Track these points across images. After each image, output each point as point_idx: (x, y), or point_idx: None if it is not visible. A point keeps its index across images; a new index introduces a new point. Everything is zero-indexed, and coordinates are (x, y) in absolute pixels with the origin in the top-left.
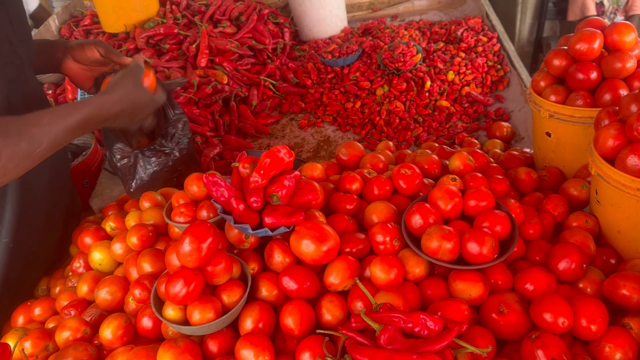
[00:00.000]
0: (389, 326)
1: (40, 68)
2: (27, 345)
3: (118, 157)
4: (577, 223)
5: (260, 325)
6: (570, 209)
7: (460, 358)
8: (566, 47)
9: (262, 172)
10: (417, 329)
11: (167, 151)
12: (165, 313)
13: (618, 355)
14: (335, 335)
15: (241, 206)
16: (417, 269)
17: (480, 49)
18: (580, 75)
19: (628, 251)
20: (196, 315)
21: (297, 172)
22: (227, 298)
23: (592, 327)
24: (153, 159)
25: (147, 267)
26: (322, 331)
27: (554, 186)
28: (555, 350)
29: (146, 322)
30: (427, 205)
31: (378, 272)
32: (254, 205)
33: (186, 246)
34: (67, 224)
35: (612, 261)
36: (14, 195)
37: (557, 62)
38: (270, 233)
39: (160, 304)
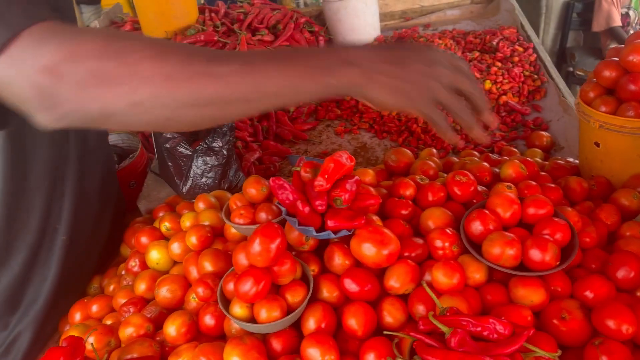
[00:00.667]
0: (459, 329)
1: None
2: (90, 340)
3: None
4: (630, 232)
5: (323, 325)
6: (622, 219)
7: None
8: (617, 59)
9: (326, 176)
10: (485, 333)
11: (216, 148)
12: (232, 311)
13: None
14: (400, 337)
15: (306, 209)
16: (477, 275)
17: (516, 58)
18: (632, 87)
19: None
20: (263, 313)
21: (357, 177)
22: (291, 298)
23: None
24: (205, 157)
25: (209, 267)
26: (390, 332)
27: (602, 195)
28: (619, 357)
29: (209, 320)
30: (487, 211)
31: (441, 276)
32: (319, 208)
33: (256, 246)
34: (114, 224)
35: None
36: (70, 194)
37: (607, 73)
38: (333, 236)
39: (225, 302)
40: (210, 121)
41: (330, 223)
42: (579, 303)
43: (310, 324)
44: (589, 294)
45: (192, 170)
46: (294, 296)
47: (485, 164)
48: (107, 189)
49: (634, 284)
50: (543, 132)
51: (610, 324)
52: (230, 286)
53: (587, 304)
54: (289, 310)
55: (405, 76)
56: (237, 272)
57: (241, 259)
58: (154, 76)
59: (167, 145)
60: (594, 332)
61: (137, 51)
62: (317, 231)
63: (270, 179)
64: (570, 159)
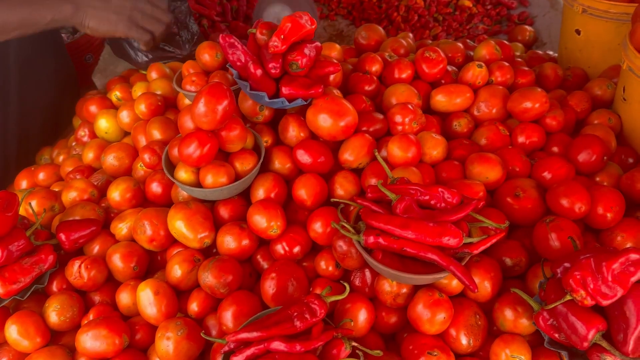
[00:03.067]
0: (406, 197)
1: None
2: (33, 204)
3: None
4: (599, 120)
5: (273, 195)
6: (593, 108)
7: (475, 233)
8: None
9: (282, 36)
10: (433, 202)
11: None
12: (177, 175)
13: (629, 245)
14: (345, 203)
15: (259, 71)
16: (434, 151)
17: None
18: None
19: None
20: (209, 178)
21: (317, 43)
22: (240, 166)
23: (608, 215)
24: None
25: (157, 134)
26: (336, 199)
27: (577, 87)
28: (569, 234)
29: (155, 188)
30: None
31: (396, 149)
32: (272, 71)
33: (201, 107)
34: (64, 97)
35: (631, 160)
36: (15, 61)
37: None
38: (287, 104)
39: (171, 168)
40: None
41: (284, 90)
42: (535, 182)
43: (260, 193)
44: (547, 174)
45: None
46: (244, 164)
47: (460, 44)
48: (56, 60)
49: (594, 168)
50: (527, 27)
51: (564, 202)
52: (176, 151)
53: (544, 185)
54: (237, 178)
55: (111, 8)
56: (183, 136)
57: (187, 122)
58: None
59: None
60: (547, 211)
61: None
62: (271, 98)
63: (220, 35)
64: (550, 52)
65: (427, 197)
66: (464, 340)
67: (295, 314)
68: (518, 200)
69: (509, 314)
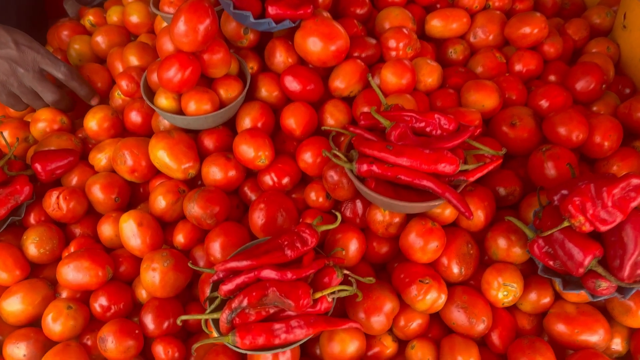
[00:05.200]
0: (400, 123)
1: None
2: (5, 134)
3: None
4: (597, 49)
5: (260, 124)
6: (591, 37)
7: (470, 161)
8: None
9: None
10: (429, 129)
11: None
12: (157, 102)
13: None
14: (337, 131)
15: None
16: (429, 79)
17: None
18: None
19: None
20: (192, 105)
21: None
22: (224, 93)
23: (606, 143)
24: None
25: (134, 61)
26: (328, 127)
27: (575, 15)
28: (565, 162)
29: (134, 117)
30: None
31: (390, 76)
32: None
33: (181, 25)
34: (33, 25)
35: (628, 90)
36: None
37: None
38: (273, 25)
39: (151, 95)
40: None
41: (271, 10)
42: (532, 111)
43: (246, 122)
44: (544, 103)
45: None
46: (228, 91)
47: None
48: None
49: (592, 97)
50: None
51: (561, 130)
52: (155, 77)
53: (540, 113)
54: (222, 106)
55: None
56: (162, 59)
57: (166, 44)
58: None
59: None
60: (544, 140)
61: None
62: (256, 19)
63: None
64: None
65: (422, 124)
66: (455, 269)
67: (286, 242)
68: (514, 129)
69: (501, 242)
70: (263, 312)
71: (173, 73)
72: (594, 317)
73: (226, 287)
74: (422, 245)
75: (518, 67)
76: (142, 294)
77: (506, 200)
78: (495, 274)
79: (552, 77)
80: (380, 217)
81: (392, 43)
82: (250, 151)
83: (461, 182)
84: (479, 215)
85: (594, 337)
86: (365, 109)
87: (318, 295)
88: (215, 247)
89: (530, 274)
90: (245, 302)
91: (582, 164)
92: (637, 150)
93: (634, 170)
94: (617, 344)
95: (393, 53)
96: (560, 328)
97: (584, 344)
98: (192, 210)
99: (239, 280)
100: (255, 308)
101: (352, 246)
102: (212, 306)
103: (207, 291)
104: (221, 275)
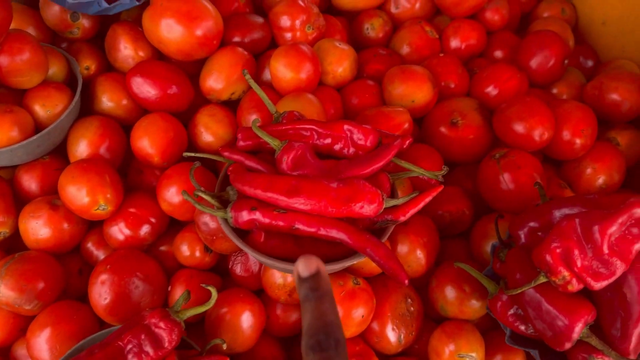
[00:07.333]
0: (296, 142)
1: None
2: None
3: None
4: (550, 12)
5: (102, 150)
6: None
7: (400, 186)
8: None
9: None
10: (338, 147)
11: None
12: None
13: (601, 179)
14: (205, 157)
15: None
16: (339, 68)
17: None
18: None
19: (611, 49)
20: None
21: None
22: (42, 109)
23: (577, 141)
24: None
25: None
26: (191, 153)
27: None
28: (529, 173)
29: None
30: None
31: (282, 68)
32: None
33: None
34: None
35: (590, 63)
36: None
37: None
38: (105, 5)
39: None
40: None
41: None
42: (477, 103)
43: (80, 149)
44: (491, 90)
45: None
46: (48, 106)
47: None
48: None
49: (553, 76)
50: None
51: (519, 128)
52: None
53: (488, 105)
54: (40, 128)
55: None
56: None
57: None
58: None
59: None
60: (496, 142)
61: None
62: None
63: None
64: None
65: (328, 141)
66: (392, 336)
67: (130, 347)
68: (456, 130)
69: (450, 293)
70: None
71: None
72: None
73: None
74: (342, 315)
75: (455, 43)
76: None
77: (452, 228)
78: (445, 339)
79: (498, 53)
80: (280, 280)
81: (284, 21)
82: (81, 195)
83: (389, 224)
84: (418, 257)
85: None
86: (254, 117)
87: None
88: (41, 344)
89: (492, 330)
90: None
91: (545, 165)
92: (614, 145)
93: (613, 172)
94: None
95: (287, 35)
96: None
97: None
98: (1, 294)
99: None
100: None
101: (245, 322)
102: None
103: None
104: None
